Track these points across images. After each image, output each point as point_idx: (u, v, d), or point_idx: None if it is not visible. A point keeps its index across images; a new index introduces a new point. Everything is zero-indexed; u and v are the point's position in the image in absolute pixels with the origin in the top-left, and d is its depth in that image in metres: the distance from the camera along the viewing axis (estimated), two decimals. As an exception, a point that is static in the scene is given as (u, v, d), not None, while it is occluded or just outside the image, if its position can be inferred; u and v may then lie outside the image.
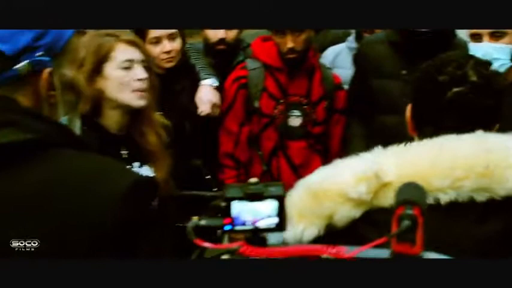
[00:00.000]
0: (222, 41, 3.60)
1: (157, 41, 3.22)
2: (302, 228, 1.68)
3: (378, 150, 1.77)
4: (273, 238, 1.31)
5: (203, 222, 1.29)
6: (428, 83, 1.77)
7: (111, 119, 2.48)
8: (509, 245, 1.61)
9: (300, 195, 1.72)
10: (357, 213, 1.66)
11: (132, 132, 2.54)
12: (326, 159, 3.46)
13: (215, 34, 3.61)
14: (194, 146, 3.26)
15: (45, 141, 1.41)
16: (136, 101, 2.47)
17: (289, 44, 3.22)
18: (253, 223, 1.29)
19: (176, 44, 3.26)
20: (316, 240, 1.67)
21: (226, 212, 1.28)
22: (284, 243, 1.36)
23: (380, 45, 3.30)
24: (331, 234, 1.68)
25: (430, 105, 1.76)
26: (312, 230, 1.68)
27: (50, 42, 1.47)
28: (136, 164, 2.52)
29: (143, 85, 2.48)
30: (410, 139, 2.94)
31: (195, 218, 1.30)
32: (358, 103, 3.43)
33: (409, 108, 1.86)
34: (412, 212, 1.23)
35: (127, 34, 2.55)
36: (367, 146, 3.31)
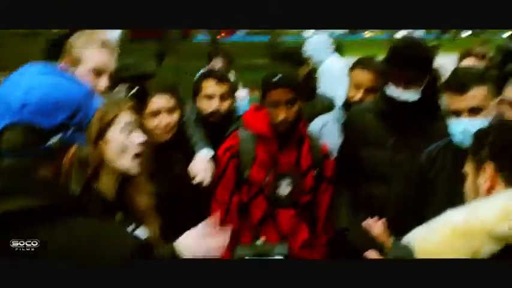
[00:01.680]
0: (215, 112, 3.70)
1: (156, 114, 3.28)
2: None
3: None
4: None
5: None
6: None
7: (107, 184, 2.49)
8: None
9: (444, 234, 1.84)
10: (498, 248, 1.80)
11: (123, 196, 2.55)
12: (313, 228, 3.53)
13: (208, 105, 3.71)
14: (189, 216, 3.30)
15: (60, 209, 1.48)
16: (135, 167, 2.49)
17: (282, 116, 3.30)
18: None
19: (174, 118, 3.32)
20: None
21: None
22: None
23: (368, 114, 3.40)
24: None
25: None
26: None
27: (81, 120, 1.57)
28: (132, 227, 2.54)
29: (142, 149, 2.50)
30: (400, 209, 3.05)
31: None
32: (346, 171, 3.50)
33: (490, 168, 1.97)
34: None
35: (128, 102, 2.60)
36: (354, 215, 3.43)
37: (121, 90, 3.99)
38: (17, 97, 1.51)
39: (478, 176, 2.02)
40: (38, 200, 1.46)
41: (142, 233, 2.55)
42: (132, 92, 3.76)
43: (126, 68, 4.20)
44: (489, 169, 1.98)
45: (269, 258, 1.35)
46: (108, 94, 3.43)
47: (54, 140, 1.51)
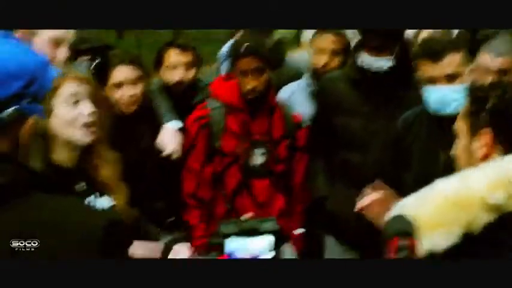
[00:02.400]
0: (180, 82, 3.64)
1: (119, 85, 3.21)
2: (439, 237, 1.74)
3: (507, 158, 1.84)
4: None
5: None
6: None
7: (63, 155, 2.42)
8: None
9: (436, 205, 1.79)
10: (492, 218, 1.75)
11: (85, 166, 2.51)
12: (289, 197, 3.50)
13: (173, 75, 3.64)
14: (156, 188, 3.23)
15: (19, 185, 1.40)
16: (84, 137, 2.43)
17: (250, 85, 3.27)
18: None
19: (138, 89, 3.26)
20: (454, 248, 1.73)
21: (221, 249, 1.27)
22: None
23: (340, 83, 3.36)
24: (469, 241, 1.75)
25: None
26: (450, 239, 1.74)
27: (37, 90, 1.47)
28: (96, 195, 2.49)
29: (90, 120, 2.43)
30: (373, 176, 3.02)
31: None
32: (320, 140, 3.47)
33: (488, 135, 1.92)
34: (407, 242, 1.25)
35: (75, 71, 2.55)
36: (330, 183, 3.41)
37: (82, 62, 3.89)
38: None
39: (473, 140, 1.95)
40: None
41: (106, 202, 2.51)
42: (93, 64, 3.66)
43: (86, 40, 4.09)
44: (487, 136, 1.91)
45: (256, 234, 1.26)
46: (68, 66, 3.35)
47: (9, 111, 1.42)
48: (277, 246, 1.30)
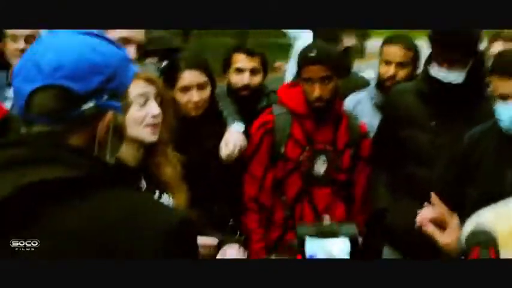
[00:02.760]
0: (246, 86, 3.68)
1: (187, 89, 3.24)
2: None
3: None
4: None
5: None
6: None
7: (128, 153, 2.47)
8: None
9: None
10: None
11: (148, 165, 2.56)
12: (350, 207, 3.48)
13: (240, 80, 3.68)
14: (220, 191, 3.26)
15: (94, 179, 1.41)
16: (150, 136, 2.49)
17: (317, 93, 3.25)
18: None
19: (205, 94, 3.28)
20: None
21: (300, 249, 1.27)
22: None
23: (410, 96, 3.31)
24: None
25: None
26: None
27: (117, 86, 1.48)
28: (156, 194, 2.53)
29: (157, 121, 2.50)
30: (441, 192, 2.98)
31: None
32: (384, 152, 3.44)
33: None
34: (488, 253, 1.24)
35: (144, 72, 2.57)
36: (392, 196, 3.37)
37: (150, 63, 3.95)
38: (49, 59, 1.41)
39: None
40: (70, 170, 1.38)
41: (166, 200, 2.54)
42: (161, 66, 3.71)
43: (154, 42, 4.15)
44: None
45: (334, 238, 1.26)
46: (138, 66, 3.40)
47: (88, 105, 1.42)
48: (354, 251, 1.29)
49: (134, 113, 2.46)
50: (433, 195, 2.66)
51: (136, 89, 2.46)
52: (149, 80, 2.53)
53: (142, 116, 2.47)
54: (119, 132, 1.55)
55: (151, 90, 2.52)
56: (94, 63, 1.43)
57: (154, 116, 2.48)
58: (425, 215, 2.60)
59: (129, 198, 1.44)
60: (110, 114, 1.47)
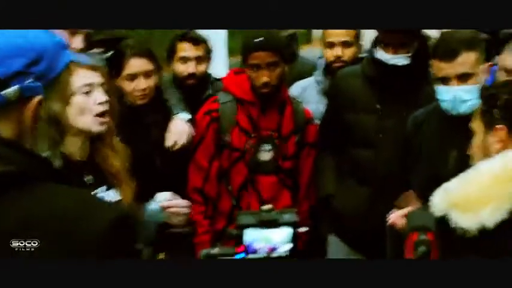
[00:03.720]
0: (191, 75, 3.64)
1: (133, 77, 3.20)
2: (489, 213, 1.78)
3: None
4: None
5: (215, 251, 1.27)
6: None
7: (73, 146, 2.43)
8: None
9: (482, 180, 1.83)
10: None
11: (94, 157, 2.51)
12: (295, 194, 3.47)
13: (185, 68, 3.64)
14: (164, 181, 3.22)
15: (27, 174, 1.36)
16: (97, 126, 2.44)
17: (264, 79, 3.23)
18: (268, 251, 1.27)
19: (151, 82, 3.25)
20: (502, 224, 1.76)
21: (239, 239, 1.26)
22: None
23: (355, 79, 3.32)
24: None
25: None
26: (499, 214, 1.77)
27: (43, 71, 1.41)
28: (103, 188, 2.49)
29: (103, 108, 2.45)
30: (387, 174, 3.01)
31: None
32: (330, 136, 3.43)
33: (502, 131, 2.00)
34: (426, 237, 1.25)
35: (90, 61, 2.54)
36: (338, 181, 3.39)
37: (96, 52, 3.88)
38: None
39: (488, 135, 1.97)
40: (6, 165, 1.33)
41: (113, 195, 2.50)
42: (107, 55, 3.65)
43: (100, 32, 4.08)
44: (501, 131, 1.94)
45: (275, 226, 1.25)
46: (83, 55, 3.34)
47: (9, 90, 1.35)
48: (295, 238, 1.29)
49: (79, 103, 2.40)
50: (411, 192, 2.72)
51: (81, 78, 2.41)
52: (94, 69, 2.48)
53: (88, 105, 2.42)
54: (56, 122, 1.49)
55: (96, 79, 2.47)
56: (15, 46, 1.37)
57: (100, 103, 2.43)
58: (395, 216, 2.63)
59: (65, 194, 1.40)
60: (35, 101, 1.40)
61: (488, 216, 1.76)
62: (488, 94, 2.09)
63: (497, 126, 2.00)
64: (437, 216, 1.79)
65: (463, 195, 1.82)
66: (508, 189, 1.78)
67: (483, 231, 1.76)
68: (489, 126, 2.01)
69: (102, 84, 2.48)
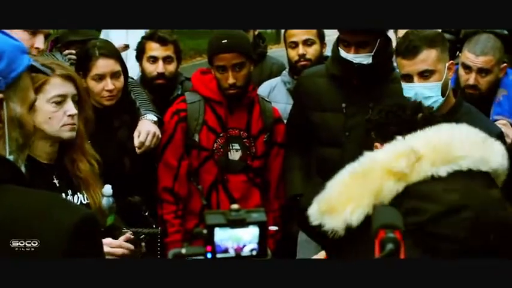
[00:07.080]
0: (160, 75, 3.64)
1: (100, 78, 3.18)
2: (350, 211, 1.80)
3: (408, 137, 1.96)
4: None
5: (184, 250, 1.27)
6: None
7: (41, 150, 2.44)
8: None
9: (343, 180, 1.87)
10: (399, 187, 1.83)
11: (63, 161, 2.52)
12: (265, 193, 3.49)
13: (154, 68, 3.65)
14: (133, 182, 3.21)
15: None
16: (66, 132, 2.46)
17: (231, 80, 3.23)
18: (236, 250, 1.28)
19: (119, 83, 3.23)
20: (366, 220, 1.75)
21: (208, 239, 1.27)
22: None
23: (320, 79, 3.34)
24: None
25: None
26: (361, 211, 1.79)
27: (3, 69, 1.43)
28: (68, 193, 2.49)
29: (73, 120, 2.47)
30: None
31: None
32: (297, 136, 3.45)
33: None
34: (394, 235, 1.27)
35: (63, 68, 2.52)
36: (305, 178, 3.40)
37: (62, 52, 3.86)
38: None
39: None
40: None
41: (81, 199, 2.52)
42: (73, 55, 3.63)
43: (68, 32, 4.06)
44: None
45: (243, 225, 1.26)
46: (46, 55, 3.32)
47: None
48: (262, 237, 1.30)
49: (49, 112, 2.42)
50: None
51: (53, 87, 2.43)
52: (67, 78, 2.49)
53: (58, 115, 2.44)
54: (20, 125, 1.49)
55: (69, 88, 2.48)
56: None
57: (70, 115, 2.45)
58: None
59: (29, 196, 1.41)
60: None
61: (351, 215, 1.80)
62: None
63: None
64: (315, 225, 1.88)
65: (327, 198, 1.86)
66: (367, 185, 1.82)
67: (350, 231, 1.81)
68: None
69: (74, 95, 2.50)
